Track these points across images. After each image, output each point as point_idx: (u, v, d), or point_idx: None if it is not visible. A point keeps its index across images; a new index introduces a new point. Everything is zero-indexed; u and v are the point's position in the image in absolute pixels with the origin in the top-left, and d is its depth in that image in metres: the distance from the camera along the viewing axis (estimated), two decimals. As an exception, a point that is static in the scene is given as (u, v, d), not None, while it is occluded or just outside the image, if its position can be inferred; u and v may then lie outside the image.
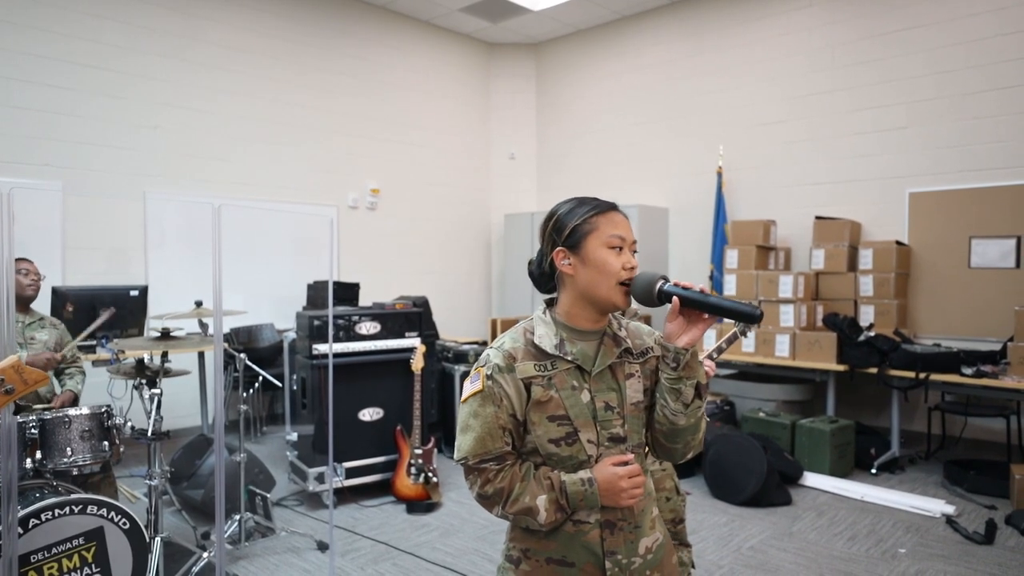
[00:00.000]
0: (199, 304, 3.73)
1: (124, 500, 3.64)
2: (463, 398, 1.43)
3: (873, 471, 4.91)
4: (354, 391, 4.39)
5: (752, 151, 6.51)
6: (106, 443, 2.95)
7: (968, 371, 4.66)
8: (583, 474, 1.37)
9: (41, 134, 5.21)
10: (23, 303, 3.32)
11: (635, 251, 1.44)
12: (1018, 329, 4.66)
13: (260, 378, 4.47)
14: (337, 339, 4.33)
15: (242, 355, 3.75)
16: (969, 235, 5.34)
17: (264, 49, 6.42)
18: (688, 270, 6.97)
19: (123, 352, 3.37)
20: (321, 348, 4.27)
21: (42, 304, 3.66)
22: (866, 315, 5.47)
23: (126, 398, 3.42)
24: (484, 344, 6.10)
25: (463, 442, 1.40)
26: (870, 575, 3.38)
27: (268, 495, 3.97)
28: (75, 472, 2.90)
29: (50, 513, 2.48)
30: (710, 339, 5.71)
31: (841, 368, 5.11)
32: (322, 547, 3.65)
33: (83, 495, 2.64)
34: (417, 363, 4.38)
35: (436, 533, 3.90)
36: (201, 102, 6.02)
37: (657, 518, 1.49)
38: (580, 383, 1.40)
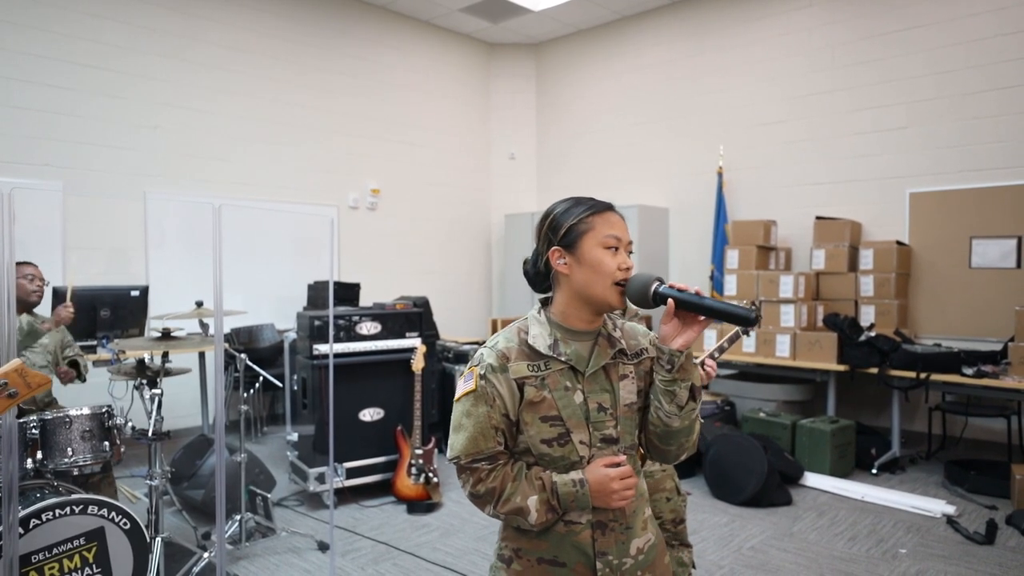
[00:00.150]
0: (199, 304, 3.73)
1: (125, 500, 3.64)
2: (456, 397, 1.43)
3: (874, 471, 4.91)
4: (355, 391, 4.39)
5: (752, 151, 6.51)
6: (107, 443, 2.95)
7: (969, 371, 4.66)
8: (575, 475, 1.37)
9: (41, 134, 5.21)
10: (27, 308, 3.30)
11: (631, 252, 1.44)
12: (1019, 329, 4.66)
13: (261, 378, 4.47)
14: (338, 339, 4.33)
15: (243, 355, 3.75)
16: (969, 235, 5.34)
17: (264, 49, 6.42)
18: (688, 270, 6.97)
19: (123, 352, 3.37)
20: (322, 348, 4.27)
21: (43, 305, 3.65)
22: (867, 315, 5.47)
23: (127, 398, 3.42)
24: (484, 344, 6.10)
25: (456, 441, 1.40)
26: (871, 575, 3.38)
27: (269, 495, 3.97)
28: (76, 472, 2.90)
29: (51, 513, 2.48)
30: (711, 338, 5.71)
31: (842, 368, 5.11)
32: (323, 547, 3.65)
33: (84, 495, 2.64)
34: (417, 363, 4.38)
35: (436, 533, 3.90)
36: (201, 102, 6.02)
37: (649, 519, 1.49)
38: (573, 384, 1.40)
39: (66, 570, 2.51)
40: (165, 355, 3.28)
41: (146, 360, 3.31)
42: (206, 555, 3.24)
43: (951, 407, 5.13)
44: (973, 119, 5.33)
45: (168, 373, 3.30)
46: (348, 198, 7.03)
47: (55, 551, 2.49)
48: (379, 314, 4.54)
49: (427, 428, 4.48)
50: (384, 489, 4.45)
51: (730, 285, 5.87)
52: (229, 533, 3.63)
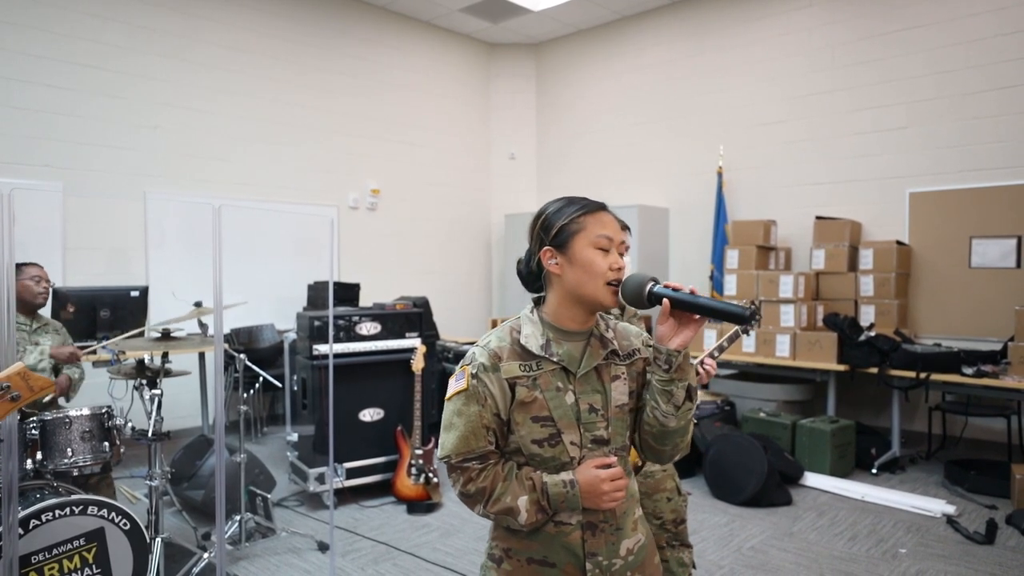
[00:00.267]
0: (198, 304, 3.73)
1: (124, 501, 3.64)
2: (448, 396, 1.43)
3: (874, 471, 4.91)
4: (354, 391, 4.39)
5: (752, 151, 6.51)
6: (106, 444, 2.95)
7: (969, 371, 4.66)
8: (565, 475, 1.37)
9: (41, 134, 5.21)
10: (31, 309, 3.30)
11: (623, 252, 1.44)
12: (1018, 329, 4.66)
13: (260, 379, 4.47)
14: (337, 339, 4.33)
15: (242, 356, 3.75)
16: (969, 235, 5.34)
17: (264, 49, 6.42)
18: (688, 270, 6.97)
19: (123, 353, 3.37)
20: (321, 348, 4.27)
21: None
22: (866, 315, 5.47)
23: (126, 399, 3.42)
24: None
25: (446, 440, 1.40)
26: (871, 575, 3.38)
27: (268, 495, 3.97)
28: (75, 473, 2.90)
29: (51, 514, 2.48)
30: (711, 338, 5.71)
31: (842, 368, 5.11)
32: (322, 547, 3.65)
33: (84, 496, 2.64)
34: (417, 363, 4.38)
35: (437, 533, 3.90)
36: (201, 102, 6.02)
37: (640, 519, 1.50)
38: (565, 384, 1.39)
39: (66, 571, 2.51)
40: (165, 355, 3.27)
41: (146, 360, 3.31)
42: (206, 555, 3.24)
43: (951, 407, 5.13)
44: (973, 119, 5.33)
45: (168, 374, 3.30)
46: (348, 198, 7.03)
47: (55, 552, 2.49)
48: (379, 314, 4.54)
49: (427, 428, 4.47)
50: (384, 489, 4.45)
51: (730, 285, 5.87)
52: (229, 533, 3.63)
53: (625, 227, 2.42)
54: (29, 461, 2.76)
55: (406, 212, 7.56)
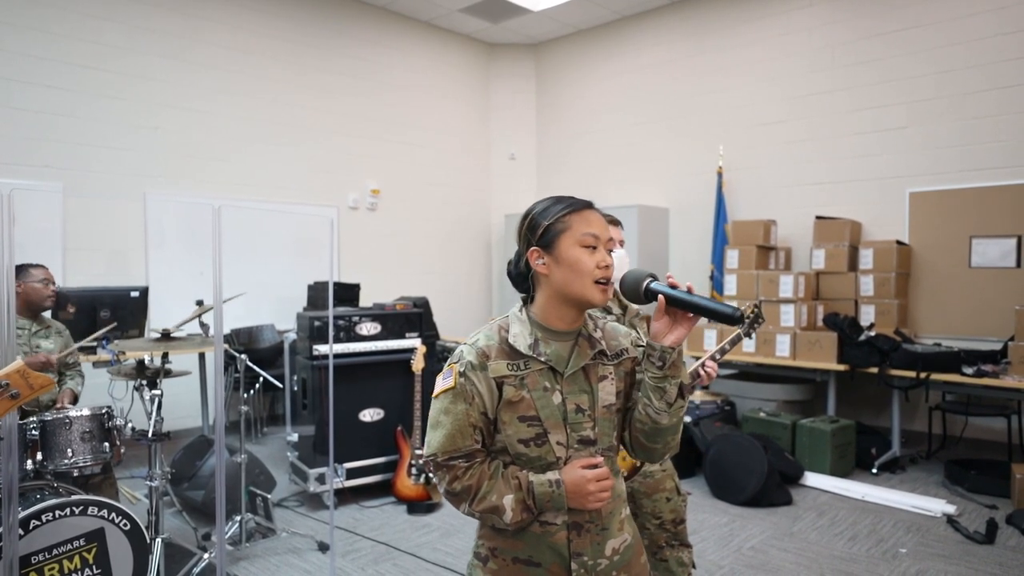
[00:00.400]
0: (200, 303, 3.72)
1: (125, 501, 3.64)
2: (435, 394, 1.43)
3: (874, 471, 4.91)
4: (355, 392, 4.39)
5: (752, 151, 6.51)
6: (107, 444, 2.95)
7: (969, 371, 4.66)
8: (551, 475, 1.37)
9: (41, 135, 5.21)
10: (38, 311, 3.29)
11: (611, 249, 1.43)
12: (1019, 329, 4.65)
13: (261, 379, 4.47)
14: (338, 340, 4.33)
15: (243, 356, 3.75)
16: (969, 235, 5.34)
17: (264, 50, 6.42)
18: (688, 270, 6.97)
19: (123, 353, 3.36)
20: (322, 349, 4.27)
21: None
22: (866, 315, 5.47)
23: (127, 399, 3.42)
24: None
25: (433, 438, 1.40)
26: (871, 575, 3.38)
27: (269, 496, 3.97)
28: (76, 473, 2.89)
29: (51, 514, 2.48)
30: (711, 339, 5.71)
31: (842, 368, 5.11)
32: (323, 548, 3.65)
33: (84, 496, 2.64)
34: (417, 364, 4.38)
35: (437, 534, 3.90)
36: (201, 103, 6.02)
37: (627, 519, 1.50)
38: (552, 384, 1.40)
39: (66, 571, 2.51)
40: (165, 356, 3.27)
41: (146, 361, 3.31)
42: (206, 556, 3.24)
43: (951, 407, 5.13)
44: (973, 119, 5.33)
45: (168, 374, 3.30)
46: (348, 198, 7.03)
47: (55, 552, 2.49)
48: (379, 314, 4.54)
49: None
50: (384, 489, 4.45)
51: (730, 285, 5.87)
52: (229, 534, 3.63)
53: (614, 222, 2.43)
54: (29, 461, 2.76)
55: (406, 212, 7.56)
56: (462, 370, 1.39)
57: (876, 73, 5.77)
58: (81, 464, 2.86)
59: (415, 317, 4.69)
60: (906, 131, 5.64)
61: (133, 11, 5.62)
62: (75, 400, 3.31)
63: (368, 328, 4.47)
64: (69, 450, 2.83)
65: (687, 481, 4.71)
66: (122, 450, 3.05)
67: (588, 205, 1.43)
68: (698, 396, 5.49)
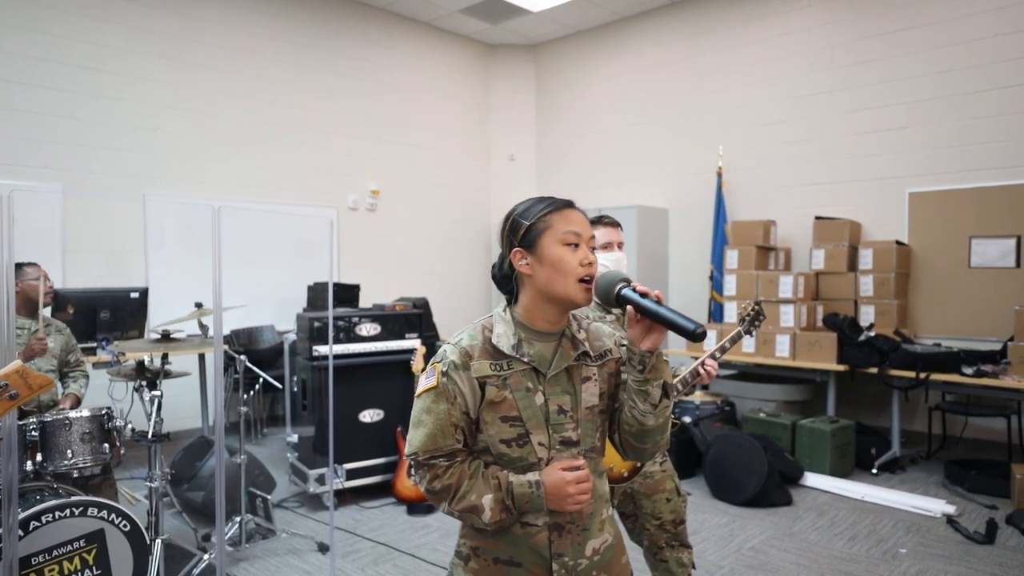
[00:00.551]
0: (199, 306, 3.73)
1: (124, 502, 3.64)
2: (417, 393, 1.43)
3: (874, 471, 4.91)
4: (354, 392, 4.39)
5: (752, 151, 6.51)
6: (106, 445, 2.95)
7: (968, 371, 4.66)
8: (531, 476, 1.37)
9: (40, 136, 5.21)
10: (34, 308, 3.30)
11: (594, 247, 1.43)
12: (1018, 329, 4.66)
13: (260, 380, 4.47)
14: (337, 340, 4.33)
15: (242, 357, 3.75)
16: (969, 235, 5.34)
17: (263, 51, 6.42)
18: (688, 270, 6.97)
19: (123, 354, 3.37)
20: (321, 349, 4.27)
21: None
22: (866, 315, 5.47)
23: (126, 400, 3.42)
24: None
25: (414, 437, 1.40)
26: (871, 575, 3.38)
27: (269, 497, 3.97)
28: (75, 474, 2.90)
29: (51, 515, 2.48)
30: (711, 340, 5.71)
31: (841, 368, 5.11)
32: (323, 548, 3.65)
33: (83, 497, 2.64)
34: (417, 364, 4.37)
35: (437, 534, 3.90)
36: (200, 104, 6.03)
37: (608, 520, 1.49)
38: (535, 385, 1.40)
39: (66, 572, 2.51)
40: (165, 357, 3.27)
41: (146, 362, 3.31)
42: (206, 557, 3.24)
43: (951, 407, 5.13)
44: (973, 119, 5.33)
45: (168, 375, 3.30)
46: (348, 199, 7.03)
47: (55, 553, 2.49)
48: (379, 315, 4.54)
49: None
50: (384, 490, 4.45)
51: (730, 285, 5.87)
52: (229, 535, 3.63)
53: (613, 224, 2.43)
54: (29, 463, 2.76)
55: (406, 213, 7.56)
56: (444, 369, 1.40)
57: (876, 73, 5.77)
58: (81, 465, 2.86)
59: (415, 318, 4.69)
60: (906, 131, 5.64)
61: (132, 12, 5.63)
62: (78, 404, 3.32)
63: (368, 329, 4.47)
64: (69, 451, 2.83)
65: (687, 481, 4.71)
66: (122, 451, 3.05)
67: (569, 204, 1.43)
68: (698, 396, 5.49)
